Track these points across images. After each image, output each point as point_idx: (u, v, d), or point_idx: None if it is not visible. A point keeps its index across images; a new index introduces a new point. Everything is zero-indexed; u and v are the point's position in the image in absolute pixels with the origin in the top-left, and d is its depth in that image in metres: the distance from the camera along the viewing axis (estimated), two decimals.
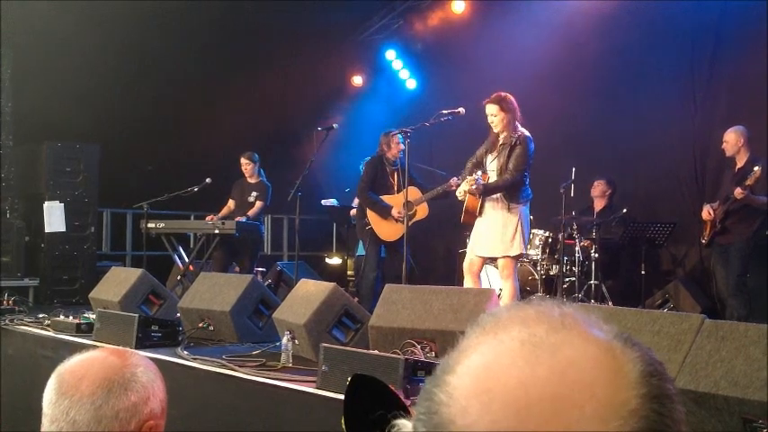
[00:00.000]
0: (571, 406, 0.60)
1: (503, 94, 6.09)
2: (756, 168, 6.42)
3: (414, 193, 7.65)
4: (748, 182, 6.47)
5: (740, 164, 7.02)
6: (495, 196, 6.09)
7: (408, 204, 7.38)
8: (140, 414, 1.57)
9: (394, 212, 7.65)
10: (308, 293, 5.64)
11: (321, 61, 11.22)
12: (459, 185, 6.49)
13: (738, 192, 6.54)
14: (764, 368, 3.10)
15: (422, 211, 7.80)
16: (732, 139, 7.05)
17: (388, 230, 7.75)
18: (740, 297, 6.88)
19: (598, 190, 8.70)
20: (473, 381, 0.64)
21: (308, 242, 10.59)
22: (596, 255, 8.07)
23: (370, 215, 7.84)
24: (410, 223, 7.31)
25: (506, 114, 6.01)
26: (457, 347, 0.68)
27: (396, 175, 7.87)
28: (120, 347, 1.66)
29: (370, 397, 0.97)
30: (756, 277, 7.09)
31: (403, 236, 7.00)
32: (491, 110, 6.08)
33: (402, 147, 7.56)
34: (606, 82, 9.20)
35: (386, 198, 7.85)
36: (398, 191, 7.76)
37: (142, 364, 1.63)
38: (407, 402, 0.94)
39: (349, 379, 1.01)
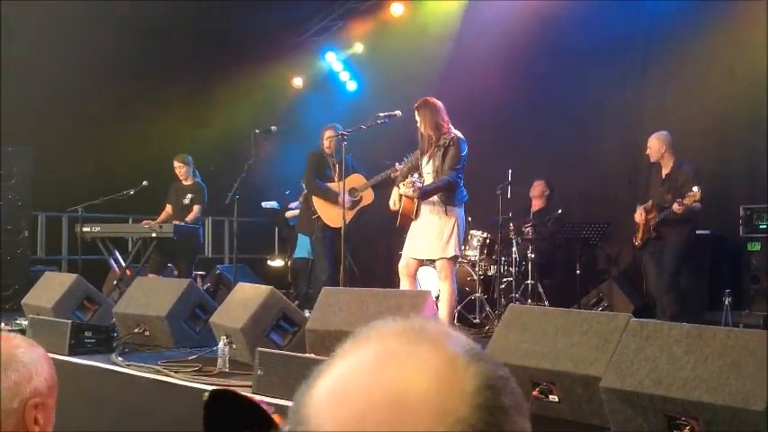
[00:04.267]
0: (405, 410, 0.68)
1: (427, 98, 6.21)
2: (696, 189, 6.51)
3: (358, 179, 7.72)
4: (686, 201, 6.56)
5: (666, 169, 7.14)
6: (431, 199, 6.13)
7: (353, 191, 7.44)
8: (23, 393, 1.63)
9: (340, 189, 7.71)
10: (246, 297, 5.61)
11: (261, 63, 11.16)
12: (402, 171, 6.57)
13: (677, 207, 6.65)
14: (687, 367, 3.19)
15: (367, 196, 7.86)
16: (655, 146, 7.16)
17: (334, 216, 7.70)
18: (673, 295, 7.01)
19: (537, 190, 8.82)
20: (332, 384, 0.72)
21: (249, 245, 10.51)
22: (533, 255, 8.20)
23: (317, 202, 7.82)
24: (356, 209, 7.34)
25: (427, 118, 6.11)
26: (334, 354, 0.76)
27: (337, 168, 7.88)
28: (6, 333, 1.72)
29: (234, 414, 0.94)
30: (684, 277, 7.28)
31: (350, 222, 7.01)
32: (416, 115, 6.24)
33: (328, 142, 7.87)
34: (542, 84, 9.34)
35: (330, 185, 7.87)
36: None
37: (24, 345, 1.69)
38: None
39: (206, 395, 0.95)
